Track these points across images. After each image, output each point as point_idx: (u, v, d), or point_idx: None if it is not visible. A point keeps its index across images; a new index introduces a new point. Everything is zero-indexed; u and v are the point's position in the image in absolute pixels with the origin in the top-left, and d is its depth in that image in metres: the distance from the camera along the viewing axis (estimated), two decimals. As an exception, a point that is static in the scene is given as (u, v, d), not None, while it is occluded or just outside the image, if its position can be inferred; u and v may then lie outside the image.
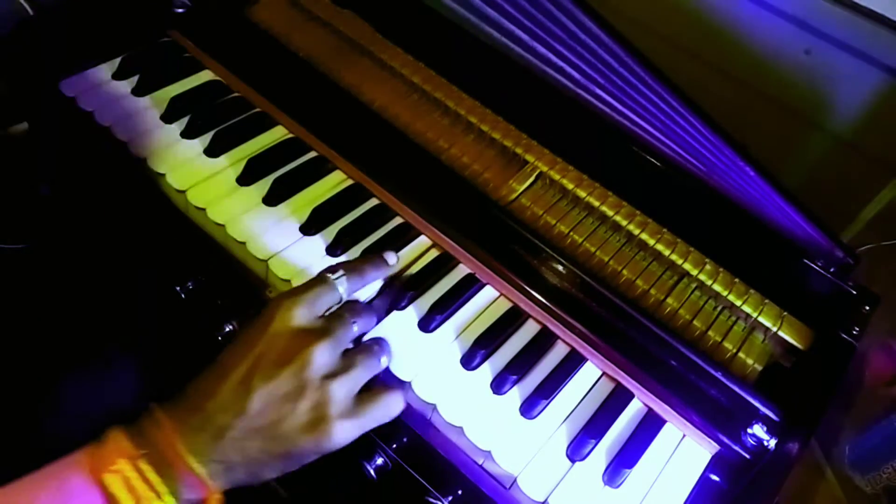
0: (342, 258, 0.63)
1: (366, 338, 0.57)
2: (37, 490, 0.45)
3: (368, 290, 0.60)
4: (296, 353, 0.50)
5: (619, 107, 0.71)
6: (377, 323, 0.58)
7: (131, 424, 0.48)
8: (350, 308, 0.55)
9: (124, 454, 0.46)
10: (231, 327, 0.65)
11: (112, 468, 0.46)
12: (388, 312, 0.60)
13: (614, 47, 0.69)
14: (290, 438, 0.49)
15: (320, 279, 0.54)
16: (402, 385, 0.56)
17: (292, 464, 0.50)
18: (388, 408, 0.53)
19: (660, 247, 0.67)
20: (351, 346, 0.55)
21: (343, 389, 0.50)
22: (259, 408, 0.48)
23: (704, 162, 0.69)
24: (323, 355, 0.50)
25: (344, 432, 0.50)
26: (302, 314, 0.52)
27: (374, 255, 0.60)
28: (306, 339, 0.50)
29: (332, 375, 0.50)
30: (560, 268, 0.64)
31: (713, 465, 0.57)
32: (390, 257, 0.60)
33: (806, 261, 0.69)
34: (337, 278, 0.55)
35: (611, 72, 0.69)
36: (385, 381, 0.56)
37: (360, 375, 0.52)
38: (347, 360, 0.52)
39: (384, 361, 0.55)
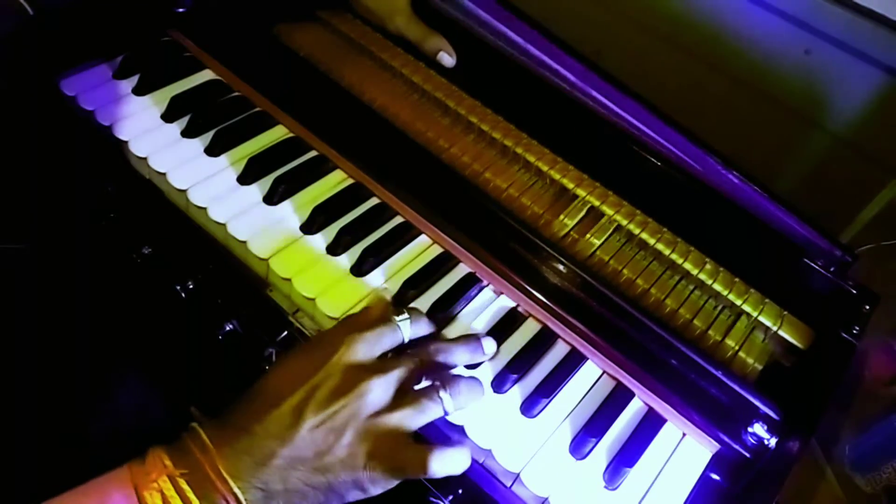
0: (341, 258, 0.63)
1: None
2: None
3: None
4: (350, 387, 0.49)
5: (617, 108, 0.72)
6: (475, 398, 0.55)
7: (173, 444, 0.48)
8: (424, 352, 0.54)
9: (164, 472, 0.46)
10: (231, 326, 0.65)
11: (151, 486, 0.45)
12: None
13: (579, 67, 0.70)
14: (331, 471, 0.48)
15: (385, 318, 0.54)
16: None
17: (331, 498, 0.49)
18: (421, 469, 0.50)
19: (660, 246, 0.67)
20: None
21: (388, 428, 0.49)
22: (307, 438, 0.48)
23: (701, 164, 0.69)
24: (375, 393, 0.49)
25: (379, 480, 0.49)
26: (363, 350, 0.51)
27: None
28: (362, 374, 0.50)
29: (381, 413, 0.50)
30: (560, 267, 0.64)
31: (713, 464, 0.57)
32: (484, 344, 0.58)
33: (806, 260, 0.69)
34: (402, 320, 0.54)
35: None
36: (454, 439, 0.54)
37: (409, 416, 0.51)
38: (400, 399, 0.51)
39: (448, 405, 0.52)
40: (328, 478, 0.48)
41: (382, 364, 0.52)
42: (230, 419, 0.49)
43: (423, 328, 0.57)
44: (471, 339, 0.57)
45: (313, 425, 0.48)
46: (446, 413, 0.53)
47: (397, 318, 0.54)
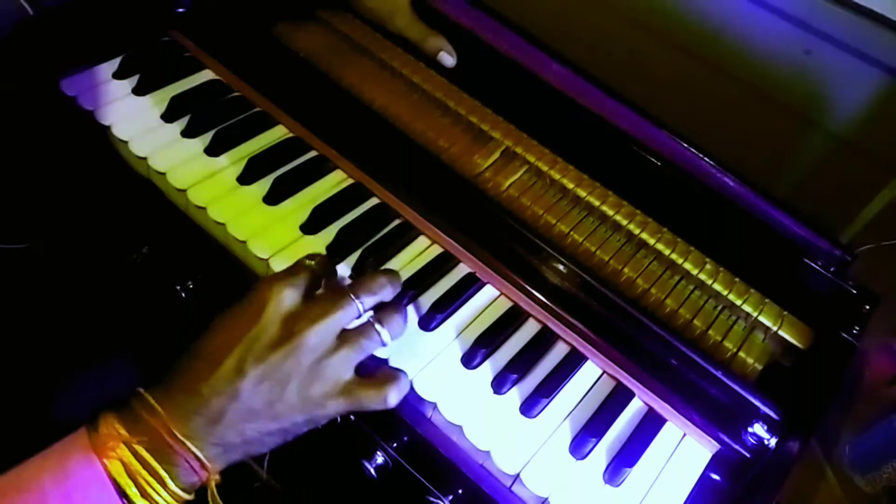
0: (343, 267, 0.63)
1: None
2: (40, 472, 0.46)
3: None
4: (288, 334, 0.50)
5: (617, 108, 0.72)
6: (393, 294, 0.57)
7: (123, 409, 0.49)
8: (354, 286, 0.55)
9: (121, 440, 0.47)
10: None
11: (111, 453, 0.46)
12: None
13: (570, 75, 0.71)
14: (283, 417, 0.50)
15: (297, 266, 0.54)
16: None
17: (287, 438, 0.52)
18: (383, 396, 0.53)
19: (660, 246, 0.67)
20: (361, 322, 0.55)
21: (333, 371, 0.52)
22: (252, 389, 0.49)
23: (698, 168, 0.69)
24: (315, 336, 0.51)
25: (331, 411, 0.52)
26: (291, 297, 0.52)
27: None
28: (299, 320, 0.51)
29: (324, 355, 0.51)
30: (560, 267, 0.64)
31: (713, 464, 0.57)
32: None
33: (806, 260, 0.69)
34: (314, 261, 0.55)
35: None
36: (393, 369, 0.56)
37: (350, 356, 0.53)
38: (342, 339, 0.53)
39: (385, 337, 0.54)
40: (282, 423, 0.51)
41: (316, 308, 0.52)
42: (174, 382, 0.50)
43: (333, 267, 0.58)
44: (390, 272, 0.58)
45: (258, 378, 0.49)
46: (383, 344, 0.54)
47: (306, 262, 0.55)
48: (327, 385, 0.51)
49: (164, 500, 0.47)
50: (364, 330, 0.54)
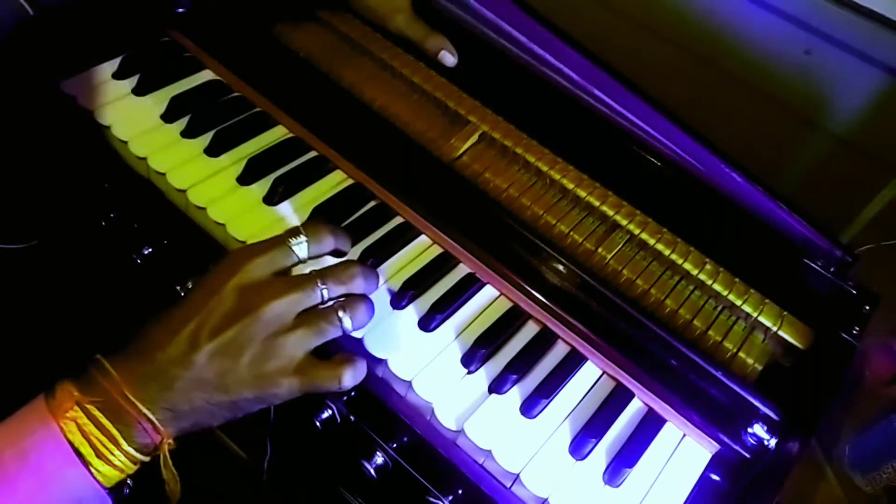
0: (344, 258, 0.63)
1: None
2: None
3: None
4: (246, 308, 0.50)
5: (618, 107, 0.72)
6: (368, 290, 0.56)
7: (79, 376, 0.50)
8: (324, 272, 0.54)
9: (74, 401, 0.48)
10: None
11: (66, 416, 0.47)
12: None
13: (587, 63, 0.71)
14: (233, 390, 0.50)
15: (277, 242, 0.54)
16: (404, 384, 0.56)
17: (237, 413, 0.52)
18: (338, 376, 0.52)
19: (660, 246, 0.67)
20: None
21: (287, 348, 0.51)
22: (206, 361, 0.49)
23: (703, 162, 0.69)
24: (271, 314, 0.51)
25: (283, 390, 0.51)
26: (256, 271, 0.52)
27: (342, 228, 0.60)
28: (258, 295, 0.51)
29: (280, 332, 0.51)
30: (560, 267, 0.64)
31: (713, 465, 0.57)
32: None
33: (806, 260, 0.69)
34: (296, 244, 0.55)
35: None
36: (353, 352, 0.55)
37: (308, 336, 0.52)
38: (301, 319, 0.52)
39: (347, 324, 0.53)
40: (231, 396, 0.50)
41: (277, 285, 0.52)
42: (132, 350, 0.51)
43: (326, 245, 0.57)
44: (366, 267, 0.58)
45: (211, 349, 0.50)
46: (345, 332, 0.54)
47: (291, 241, 0.55)
48: (280, 361, 0.51)
49: (119, 460, 0.48)
50: (326, 314, 0.53)
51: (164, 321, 0.51)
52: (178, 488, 0.52)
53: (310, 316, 0.53)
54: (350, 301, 0.54)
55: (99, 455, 0.47)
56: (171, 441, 0.50)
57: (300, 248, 0.55)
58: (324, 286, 0.53)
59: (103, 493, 0.48)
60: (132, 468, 0.49)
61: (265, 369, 0.51)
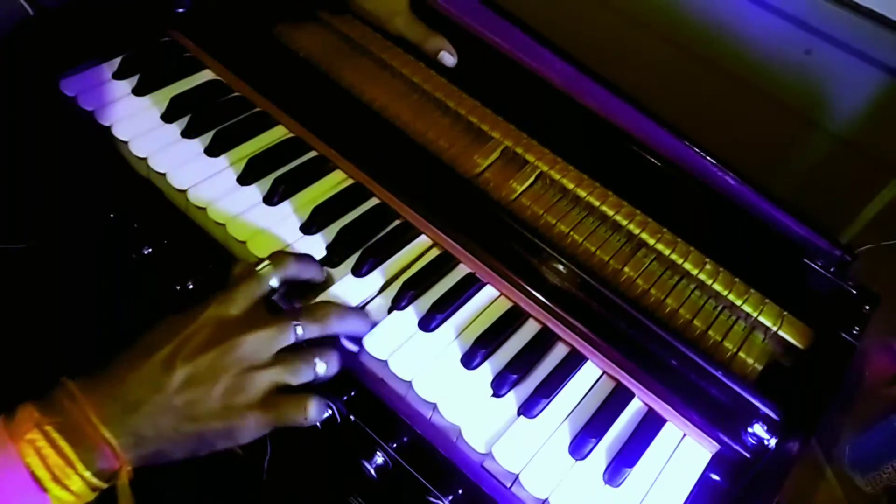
0: (341, 267, 0.63)
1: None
2: None
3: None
4: (221, 340, 0.51)
5: (615, 112, 0.72)
6: (355, 331, 0.57)
7: (42, 398, 0.49)
8: (300, 312, 0.55)
9: (34, 422, 0.47)
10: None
11: (25, 438, 0.46)
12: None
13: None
14: (201, 420, 0.50)
15: (251, 276, 0.55)
16: (404, 384, 0.56)
17: (202, 447, 0.51)
18: (297, 414, 0.53)
19: (660, 246, 0.67)
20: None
21: (259, 383, 0.51)
22: (177, 387, 0.49)
23: (698, 166, 0.69)
24: (247, 346, 0.51)
25: (251, 425, 0.51)
26: (232, 307, 0.53)
27: (308, 256, 0.60)
28: (234, 328, 0.51)
29: (255, 367, 0.51)
30: (560, 267, 0.64)
31: (713, 465, 0.57)
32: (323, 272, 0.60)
33: (806, 260, 0.69)
34: (263, 269, 0.55)
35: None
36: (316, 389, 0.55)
37: (282, 375, 0.52)
38: (275, 357, 0.53)
39: (320, 369, 0.54)
40: (198, 427, 0.50)
41: (254, 321, 0.52)
42: (105, 373, 0.50)
43: (293, 270, 0.57)
44: (355, 312, 0.58)
45: (185, 374, 0.50)
46: (318, 377, 0.54)
47: (257, 269, 0.55)
48: (251, 396, 0.51)
49: (76, 485, 0.47)
50: (303, 356, 0.54)
51: (140, 346, 0.52)
52: None
53: (287, 356, 0.53)
54: (325, 349, 0.55)
55: (55, 479, 0.46)
56: (129, 469, 0.49)
57: (266, 271, 0.55)
58: (297, 324, 0.53)
59: None
60: (90, 495, 0.48)
61: (235, 401, 0.51)
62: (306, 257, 0.59)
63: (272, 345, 0.52)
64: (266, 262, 0.56)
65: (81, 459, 0.47)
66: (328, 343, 0.56)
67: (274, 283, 0.55)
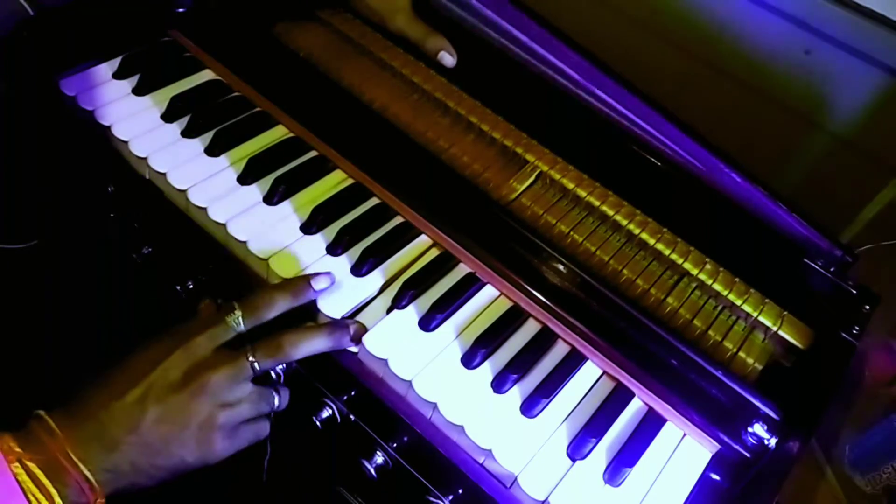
0: (341, 258, 0.63)
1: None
2: None
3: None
4: (190, 380, 0.53)
5: (618, 107, 0.72)
6: (283, 363, 0.58)
7: (19, 431, 0.50)
8: (254, 347, 0.56)
9: (15, 458, 0.48)
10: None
11: (2, 471, 0.48)
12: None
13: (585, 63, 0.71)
14: (177, 455, 0.53)
15: (216, 318, 0.56)
16: (404, 384, 0.56)
17: (174, 475, 0.54)
18: (258, 434, 0.58)
19: (660, 246, 0.67)
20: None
21: (229, 418, 0.55)
22: (151, 426, 0.52)
23: (703, 162, 0.69)
24: (213, 387, 0.53)
25: (221, 452, 0.55)
26: (198, 347, 0.54)
27: (278, 290, 0.58)
28: (201, 369, 0.53)
29: (221, 406, 0.54)
30: (560, 267, 0.64)
31: (713, 464, 0.57)
32: (315, 282, 0.59)
33: (806, 260, 0.69)
34: (233, 319, 0.56)
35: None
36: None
37: (245, 410, 0.56)
38: (239, 394, 0.55)
39: (276, 402, 0.58)
40: (172, 461, 0.53)
41: (220, 360, 0.54)
42: (78, 407, 0.52)
43: (264, 316, 0.57)
44: (314, 330, 0.58)
45: (156, 416, 0.52)
46: (279, 407, 0.59)
47: (228, 318, 0.56)
48: (222, 430, 0.54)
49: None
50: (262, 392, 0.57)
51: (111, 381, 0.53)
52: None
53: (251, 394, 0.56)
54: (280, 386, 0.59)
55: None
56: (102, 501, 0.51)
57: (237, 321, 0.56)
58: (254, 360, 0.55)
59: None
60: None
61: (208, 436, 0.54)
62: (276, 294, 0.58)
63: (235, 382, 0.55)
64: (237, 313, 0.56)
65: (60, 494, 0.48)
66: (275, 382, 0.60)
67: (241, 327, 0.56)
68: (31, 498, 0.48)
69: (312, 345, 0.57)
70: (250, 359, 0.55)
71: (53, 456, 0.49)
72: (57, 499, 0.48)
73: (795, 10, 0.82)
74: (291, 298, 0.58)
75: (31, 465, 0.48)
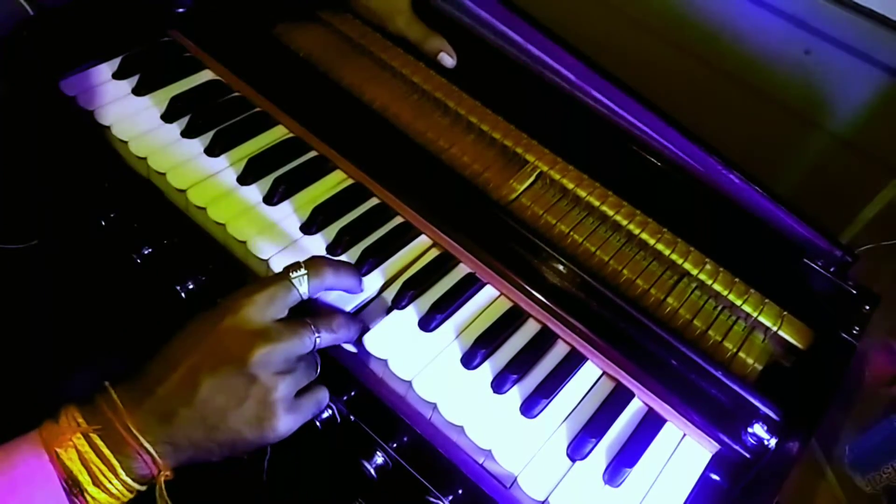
0: (341, 258, 0.63)
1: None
2: None
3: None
4: (243, 351, 0.51)
5: (619, 107, 0.72)
6: (351, 339, 0.57)
7: (86, 402, 0.51)
8: (317, 320, 0.55)
9: (78, 430, 0.49)
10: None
11: (66, 443, 0.48)
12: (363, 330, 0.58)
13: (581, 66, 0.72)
14: (235, 430, 0.51)
15: (278, 278, 0.55)
16: (404, 384, 0.56)
17: (236, 451, 0.53)
18: (320, 403, 0.56)
19: (660, 246, 0.67)
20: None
21: (286, 389, 0.53)
22: (205, 399, 0.50)
23: (703, 163, 0.69)
24: (271, 357, 0.51)
25: (286, 426, 0.53)
26: (254, 314, 0.52)
27: (346, 263, 0.60)
28: (253, 339, 0.51)
29: (279, 375, 0.52)
30: (560, 267, 0.64)
31: (713, 465, 0.57)
32: (360, 281, 0.60)
33: (806, 260, 0.69)
34: (296, 277, 0.55)
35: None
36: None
37: (301, 379, 0.54)
38: (293, 363, 0.53)
39: (318, 369, 0.57)
40: (229, 435, 0.51)
41: (276, 329, 0.53)
42: (139, 381, 0.52)
43: (329, 281, 0.56)
44: (344, 265, 0.59)
45: (209, 388, 0.50)
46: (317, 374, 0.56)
47: (292, 275, 0.55)
48: (279, 404, 0.52)
49: (116, 488, 0.49)
50: (310, 359, 0.55)
51: (167, 356, 0.52)
52: None
53: (302, 361, 0.54)
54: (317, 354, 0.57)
55: (96, 482, 0.48)
56: (168, 473, 0.50)
57: (300, 282, 0.55)
58: (317, 334, 0.54)
59: None
60: (127, 496, 0.50)
61: (264, 411, 0.52)
62: (344, 266, 0.59)
63: (293, 354, 0.53)
64: (302, 270, 0.55)
65: (123, 466, 0.49)
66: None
67: (305, 292, 0.55)
68: (95, 470, 0.48)
69: (354, 331, 0.57)
70: (314, 332, 0.54)
71: (115, 428, 0.49)
72: (119, 469, 0.48)
73: (795, 10, 0.82)
74: (353, 275, 0.59)
75: (94, 437, 0.48)
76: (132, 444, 0.49)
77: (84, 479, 0.48)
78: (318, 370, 0.56)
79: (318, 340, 0.54)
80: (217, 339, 0.52)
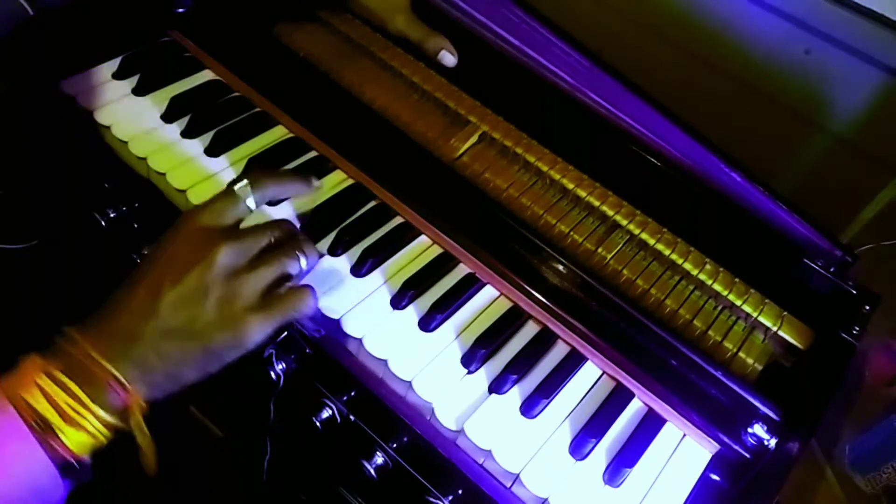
0: (342, 258, 0.63)
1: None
2: None
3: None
4: (201, 255, 0.51)
5: (618, 107, 0.72)
6: (311, 253, 0.58)
7: (46, 348, 0.50)
8: (270, 223, 0.56)
9: (40, 369, 0.47)
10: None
11: (30, 386, 0.47)
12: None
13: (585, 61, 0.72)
14: (204, 334, 0.51)
15: (223, 192, 0.55)
16: (404, 384, 0.56)
17: (212, 362, 0.52)
18: (297, 303, 0.54)
19: (660, 246, 0.67)
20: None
21: (247, 286, 0.52)
22: (170, 309, 0.50)
23: (703, 162, 0.69)
24: (226, 255, 0.52)
25: (254, 325, 0.52)
26: (206, 219, 0.53)
27: (289, 171, 0.61)
28: (210, 242, 0.52)
29: (241, 272, 0.52)
30: (560, 267, 0.64)
31: (713, 465, 0.57)
32: (309, 182, 0.61)
33: (806, 260, 0.69)
34: (239, 188, 0.55)
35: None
36: (301, 282, 0.57)
37: (269, 272, 0.53)
38: (255, 260, 0.53)
39: (303, 263, 0.56)
40: (202, 342, 0.51)
41: (230, 231, 0.54)
42: (100, 314, 0.51)
43: (272, 191, 0.58)
44: (286, 174, 0.61)
45: (174, 296, 0.50)
46: (301, 268, 0.56)
47: (235, 187, 0.55)
48: (246, 299, 0.52)
49: (91, 423, 0.47)
50: (284, 249, 0.55)
51: (126, 284, 0.52)
52: (154, 459, 0.51)
53: (266, 254, 0.54)
54: (305, 242, 0.57)
55: (67, 420, 0.46)
56: (142, 403, 0.49)
57: (244, 192, 0.55)
58: (273, 233, 0.55)
59: (56, 474, 0.46)
60: (105, 433, 0.48)
61: (233, 309, 0.51)
62: (287, 173, 0.60)
63: (252, 249, 0.53)
64: (244, 182, 0.55)
65: (91, 397, 0.47)
66: (303, 237, 0.58)
67: (251, 204, 0.55)
68: (64, 406, 0.46)
69: (290, 182, 0.59)
70: (269, 232, 0.54)
71: (77, 360, 0.48)
72: (89, 402, 0.47)
73: (795, 10, 0.82)
74: (298, 181, 0.59)
75: (58, 373, 0.47)
76: (97, 372, 0.48)
77: (53, 418, 0.46)
78: (303, 267, 0.56)
79: (273, 237, 0.54)
80: (174, 251, 0.52)
